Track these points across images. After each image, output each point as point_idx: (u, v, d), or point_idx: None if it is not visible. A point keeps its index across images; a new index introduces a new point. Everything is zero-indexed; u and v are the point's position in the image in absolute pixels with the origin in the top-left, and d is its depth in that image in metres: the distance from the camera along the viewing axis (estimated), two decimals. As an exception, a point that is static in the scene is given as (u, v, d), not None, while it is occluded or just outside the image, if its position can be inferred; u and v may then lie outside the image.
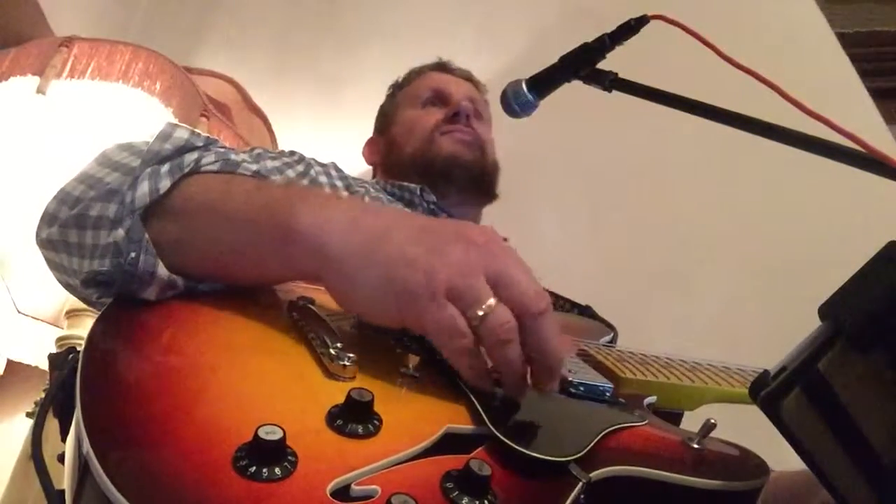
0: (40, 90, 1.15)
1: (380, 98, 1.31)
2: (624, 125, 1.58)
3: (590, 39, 0.87)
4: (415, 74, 1.25)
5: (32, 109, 1.16)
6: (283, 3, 1.83)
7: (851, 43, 1.77)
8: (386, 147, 1.17)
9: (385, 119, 1.22)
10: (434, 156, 1.07)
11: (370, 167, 1.25)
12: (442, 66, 1.25)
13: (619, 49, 0.86)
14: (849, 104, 1.62)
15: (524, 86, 0.92)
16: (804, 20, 1.79)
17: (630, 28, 0.85)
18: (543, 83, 0.91)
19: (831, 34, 1.77)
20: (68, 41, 1.21)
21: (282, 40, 1.80)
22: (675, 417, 0.66)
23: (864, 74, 1.70)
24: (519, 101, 0.93)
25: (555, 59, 0.89)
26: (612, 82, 0.83)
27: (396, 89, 1.26)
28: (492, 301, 0.44)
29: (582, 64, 0.87)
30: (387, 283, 0.45)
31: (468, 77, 1.24)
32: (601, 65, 0.86)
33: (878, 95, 1.68)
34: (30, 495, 1.12)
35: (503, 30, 1.78)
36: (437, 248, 0.45)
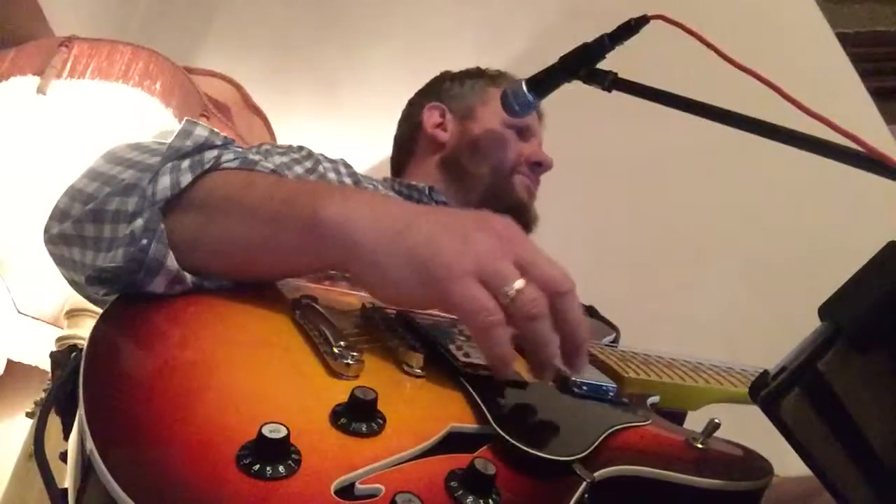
0: (40, 90, 1.15)
1: (380, 98, 1.31)
2: (624, 125, 1.58)
3: (590, 39, 0.87)
4: (508, 83, 1.14)
5: (32, 109, 1.16)
6: (283, 3, 1.83)
7: (851, 43, 1.77)
8: (459, 135, 1.09)
9: (465, 102, 1.13)
10: (509, 191, 1.05)
11: (373, 164, 1.23)
12: None
13: (619, 49, 0.86)
14: (849, 104, 1.63)
15: (524, 86, 0.93)
16: (804, 20, 1.79)
17: (630, 28, 0.85)
18: (543, 83, 0.92)
19: (831, 34, 1.77)
20: (68, 41, 1.21)
21: (282, 40, 1.79)
22: (678, 417, 0.66)
23: (864, 74, 1.71)
24: (519, 101, 0.93)
25: (555, 59, 0.90)
26: (612, 82, 0.83)
27: (487, 80, 1.16)
28: (521, 281, 0.45)
29: (582, 64, 0.87)
30: (415, 270, 0.46)
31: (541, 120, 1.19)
32: (601, 65, 0.86)
33: (878, 95, 1.69)
34: (30, 495, 1.12)
35: (503, 30, 1.78)
36: (463, 235, 0.47)
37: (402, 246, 0.47)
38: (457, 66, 1.30)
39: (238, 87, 1.53)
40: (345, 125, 1.30)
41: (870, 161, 0.59)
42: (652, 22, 0.82)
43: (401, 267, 0.47)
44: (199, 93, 1.30)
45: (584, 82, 0.87)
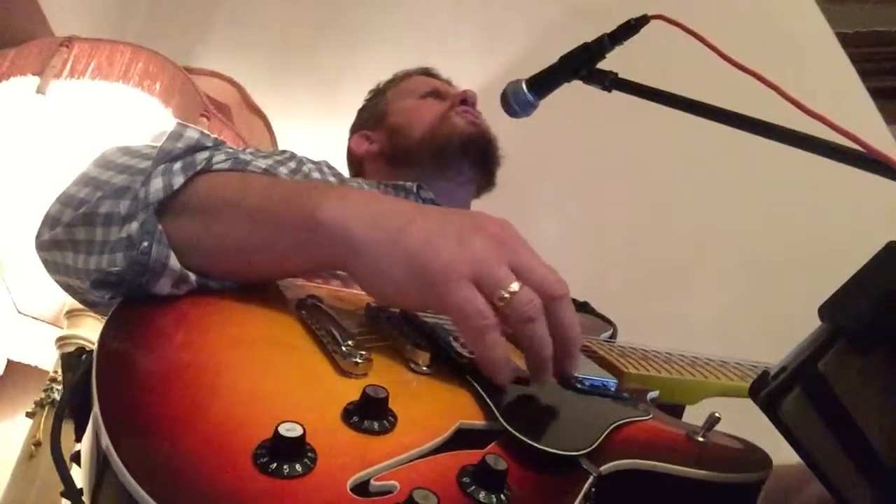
0: (40, 90, 1.15)
1: (381, 98, 1.31)
2: (624, 125, 1.59)
3: (590, 39, 0.87)
4: (403, 75, 1.26)
5: (32, 109, 1.16)
6: (283, 3, 1.83)
7: (851, 43, 1.78)
8: (386, 135, 1.16)
9: (376, 114, 1.21)
10: (450, 132, 1.09)
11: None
12: (428, 72, 1.27)
13: (619, 49, 0.86)
14: (849, 104, 1.63)
15: (524, 86, 0.92)
16: (804, 20, 1.80)
17: (630, 28, 0.85)
18: (543, 83, 0.91)
19: (831, 34, 1.77)
20: (68, 41, 1.21)
21: (282, 40, 1.80)
22: (676, 411, 0.66)
23: (864, 74, 1.71)
24: (519, 100, 0.93)
25: (555, 59, 0.90)
26: (612, 82, 0.83)
27: (382, 91, 1.26)
28: (516, 284, 0.46)
29: (582, 64, 0.87)
30: (412, 272, 0.46)
31: (450, 84, 1.27)
32: (601, 65, 0.87)
33: (878, 95, 1.69)
34: (30, 495, 1.12)
35: (503, 30, 1.78)
36: (459, 238, 0.47)
37: (399, 247, 0.47)
38: (457, 66, 1.31)
39: (238, 87, 1.53)
40: (345, 125, 1.30)
41: (870, 161, 0.59)
42: (652, 22, 0.83)
43: (397, 268, 0.47)
44: (199, 93, 1.30)
45: (585, 82, 0.87)
